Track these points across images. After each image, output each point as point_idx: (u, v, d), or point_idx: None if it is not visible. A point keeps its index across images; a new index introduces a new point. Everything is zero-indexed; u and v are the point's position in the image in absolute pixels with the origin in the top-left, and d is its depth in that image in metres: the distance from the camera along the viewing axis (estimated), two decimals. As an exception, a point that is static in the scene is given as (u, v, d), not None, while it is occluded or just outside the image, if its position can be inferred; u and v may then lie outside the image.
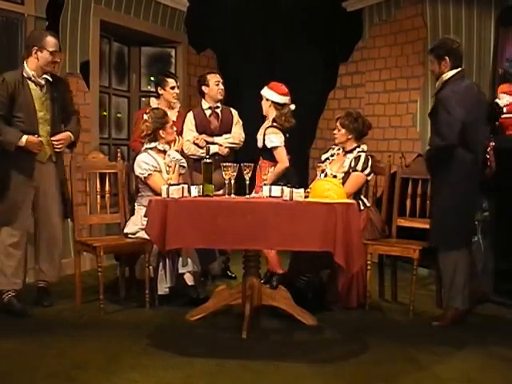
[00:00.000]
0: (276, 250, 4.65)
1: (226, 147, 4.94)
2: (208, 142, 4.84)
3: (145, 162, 4.24)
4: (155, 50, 6.39)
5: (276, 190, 3.74)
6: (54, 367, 3.11)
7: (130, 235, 4.28)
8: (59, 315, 4.00)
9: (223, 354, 3.35)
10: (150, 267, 4.19)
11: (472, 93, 3.88)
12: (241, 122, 5.08)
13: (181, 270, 4.24)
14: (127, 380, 2.99)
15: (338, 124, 4.44)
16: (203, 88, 4.99)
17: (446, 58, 3.82)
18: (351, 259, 3.52)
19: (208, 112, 5.01)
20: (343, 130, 4.41)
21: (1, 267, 3.94)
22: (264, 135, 4.64)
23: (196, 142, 4.88)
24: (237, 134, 5.02)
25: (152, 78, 6.10)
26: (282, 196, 3.68)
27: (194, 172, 4.85)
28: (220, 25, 6.44)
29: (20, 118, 3.91)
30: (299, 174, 4.86)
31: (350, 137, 4.41)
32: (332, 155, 4.55)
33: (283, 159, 4.61)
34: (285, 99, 4.67)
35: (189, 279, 4.27)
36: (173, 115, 4.81)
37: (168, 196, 3.62)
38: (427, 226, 4.06)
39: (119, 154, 4.58)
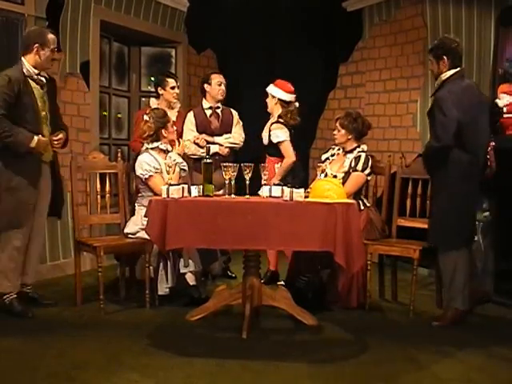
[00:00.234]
0: (276, 250, 4.68)
1: (226, 147, 4.94)
2: (208, 142, 4.84)
3: (147, 163, 4.24)
4: (155, 50, 6.39)
5: (276, 190, 3.74)
6: (53, 367, 3.11)
7: (130, 235, 4.28)
8: (59, 315, 4.00)
9: (223, 353, 3.35)
10: (151, 267, 4.19)
11: (471, 93, 3.87)
12: (241, 123, 5.09)
13: (182, 270, 4.24)
14: (127, 380, 2.99)
15: (337, 124, 4.44)
16: (205, 86, 5.00)
17: (445, 57, 3.83)
18: (351, 259, 3.52)
19: (208, 112, 5.01)
20: (343, 131, 4.41)
21: (4, 270, 3.89)
22: (269, 131, 4.69)
23: (196, 141, 4.88)
24: (237, 135, 5.03)
25: (152, 78, 6.10)
26: (282, 196, 3.68)
27: (194, 172, 4.86)
28: (220, 25, 6.44)
29: (25, 118, 3.82)
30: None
31: (349, 137, 4.41)
32: (332, 155, 4.56)
33: (289, 153, 4.68)
34: (291, 97, 4.79)
35: (190, 279, 4.27)
36: (173, 115, 4.81)
37: (168, 196, 3.62)
38: (427, 226, 4.06)
39: (119, 154, 4.58)
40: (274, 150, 4.74)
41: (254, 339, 3.59)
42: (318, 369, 3.19)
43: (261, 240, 3.58)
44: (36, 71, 3.89)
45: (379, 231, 4.35)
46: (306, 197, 3.69)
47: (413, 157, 5.02)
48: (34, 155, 3.88)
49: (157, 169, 4.23)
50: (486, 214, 4.56)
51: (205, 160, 3.87)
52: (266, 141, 4.81)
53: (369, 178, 4.41)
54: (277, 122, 4.73)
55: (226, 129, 5.01)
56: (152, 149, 4.32)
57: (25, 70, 3.85)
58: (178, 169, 4.29)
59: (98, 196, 4.44)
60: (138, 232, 4.22)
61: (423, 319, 4.04)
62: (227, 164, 3.77)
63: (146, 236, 3.79)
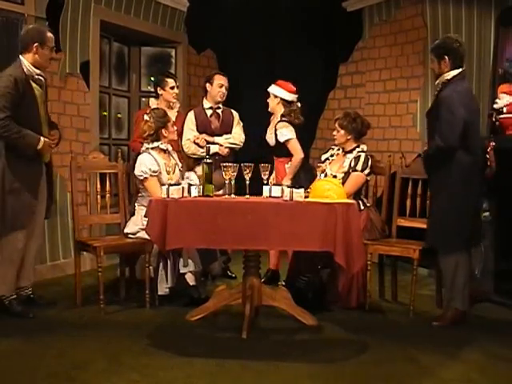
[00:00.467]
0: (276, 250, 4.68)
1: (226, 147, 4.94)
2: (208, 142, 4.84)
3: (144, 164, 4.22)
4: (155, 50, 6.39)
5: (276, 190, 3.74)
6: (54, 367, 3.11)
7: (130, 235, 4.28)
8: (59, 315, 4.00)
9: (223, 354, 3.35)
10: (151, 267, 4.19)
11: (471, 95, 3.92)
12: (241, 124, 5.09)
13: (182, 270, 4.24)
14: (127, 380, 2.99)
15: (336, 125, 4.44)
16: (207, 85, 5.00)
17: (446, 57, 3.82)
18: (351, 259, 3.52)
19: (209, 112, 5.01)
20: (342, 131, 4.41)
21: (4, 273, 3.87)
22: (275, 131, 4.69)
23: (196, 141, 4.88)
24: (237, 135, 5.03)
25: (152, 78, 6.10)
26: (282, 196, 3.68)
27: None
28: (220, 25, 6.44)
29: (28, 119, 3.78)
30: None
31: (349, 137, 4.41)
32: (332, 155, 4.55)
33: (297, 151, 4.69)
34: (293, 97, 4.80)
35: (190, 279, 4.27)
36: (172, 115, 4.80)
37: (168, 196, 3.62)
38: (426, 227, 4.06)
39: (120, 155, 4.58)
40: (282, 150, 4.73)
41: (254, 339, 3.59)
42: (318, 369, 3.19)
43: (261, 240, 3.58)
44: (36, 71, 3.85)
45: (379, 231, 4.35)
46: (306, 197, 3.69)
47: (413, 157, 5.02)
48: (38, 156, 3.88)
49: (154, 171, 4.22)
50: (486, 214, 4.56)
51: (205, 160, 3.88)
52: (272, 141, 4.80)
53: (368, 178, 4.41)
54: (281, 120, 4.73)
55: (226, 129, 5.01)
56: (152, 148, 4.32)
57: (25, 70, 3.80)
58: (177, 168, 4.30)
59: (98, 196, 4.44)
60: (138, 232, 4.22)
61: (423, 319, 4.04)
62: (227, 164, 3.77)
63: (146, 236, 3.79)
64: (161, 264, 4.26)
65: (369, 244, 4.18)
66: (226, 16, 6.40)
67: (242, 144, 5.04)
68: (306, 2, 6.45)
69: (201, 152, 4.82)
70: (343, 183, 4.18)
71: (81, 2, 5.19)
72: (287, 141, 4.69)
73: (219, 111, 5.03)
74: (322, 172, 4.42)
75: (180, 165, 4.44)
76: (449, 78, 3.82)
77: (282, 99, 4.78)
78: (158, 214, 3.57)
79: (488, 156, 4.05)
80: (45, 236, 4.58)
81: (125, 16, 5.73)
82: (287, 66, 6.49)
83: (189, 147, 4.89)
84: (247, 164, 3.72)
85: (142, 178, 4.23)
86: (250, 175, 3.72)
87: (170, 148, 4.39)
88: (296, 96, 4.81)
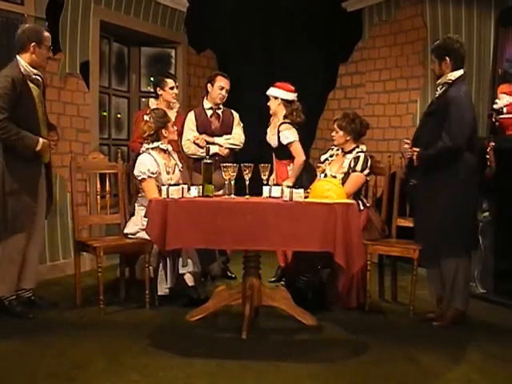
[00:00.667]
0: (276, 250, 4.68)
1: (226, 148, 4.94)
2: (208, 142, 4.84)
3: (144, 165, 4.22)
4: (155, 50, 6.40)
5: (276, 191, 3.74)
6: (54, 367, 3.11)
7: (130, 235, 4.28)
8: (59, 315, 4.00)
9: (223, 353, 3.35)
10: (150, 268, 4.19)
11: (471, 96, 3.92)
12: (241, 125, 5.09)
13: (181, 271, 4.24)
14: (127, 380, 2.99)
15: (335, 126, 4.44)
16: (208, 86, 5.00)
17: (447, 58, 3.81)
18: (351, 259, 3.52)
19: (209, 112, 5.01)
20: (341, 132, 4.41)
21: (4, 273, 3.86)
22: (278, 132, 4.69)
23: (196, 141, 4.88)
24: (237, 136, 5.03)
25: (151, 79, 6.11)
26: (281, 196, 3.68)
27: (193, 172, 4.86)
28: (220, 25, 6.45)
29: (26, 119, 3.75)
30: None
31: (348, 138, 4.41)
32: (331, 156, 4.56)
33: (299, 153, 4.71)
34: (293, 96, 4.82)
35: (189, 280, 4.27)
36: (171, 116, 4.80)
37: (168, 196, 3.62)
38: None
39: (119, 155, 4.58)
40: (284, 152, 4.73)
41: (254, 339, 3.59)
42: (318, 369, 3.19)
43: (261, 240, 3.58)
44: (34, 71, 3.82)
45: (379, 231, 4.35)
46: (306, 197, 3.69)
47: (412, 157, 5.01)
48: (37, 157, 3.86)
49: (152, 173, 4.21)
50: (486, 214, 4.56)
51: (205, 160, 3.88)
52: (274, 143, 4.80)
53: (368, 178, 4.41)
54: (284, 122, 4.73)
55: (226, 130, 5.01)
56: (152, 149, 4.32)
57: (22, 70, 3.76)
58: (177, 170, 4.30)
59: (98, 196, 4.44)
60: (137, 232, 4.22)
61: (423, 319, 4.04)
62: (227, 164, 3.77)
63: (146, 236, 3.79)
64: (161, 264, 4.26)
65: (368, 244, 4.18)
66: (225, 16, 6.41)
67: (242, 145, 5.04)
68: (305, 2, 6.45)
69: (201, 152, 4.81)
70: (343, 183, 4.18)
71: (81, 2, 5.19)
72: (290, 143, 4.69)
73: (219, 112, 5.04)
74: (322, 172, 4.42)
75: (180, 165, 4.45)
76: (453, 78, 3.80)
77: (282, 100, 4.79)
78: (158, 214, 3.57)
79: (488, 156, 4.05)
80: (45, 236, 4.57)
81: (124, 16, 5.73)
82: (287, 66, 6.50)
83: (189, 147, 4.89)
84: (247, 164, 3.72)
85: (139, 178, 4.23)
86: (249, 175, 3.72)
87: (170, 148, 4.39)
88: (295, 95, 4.82)
